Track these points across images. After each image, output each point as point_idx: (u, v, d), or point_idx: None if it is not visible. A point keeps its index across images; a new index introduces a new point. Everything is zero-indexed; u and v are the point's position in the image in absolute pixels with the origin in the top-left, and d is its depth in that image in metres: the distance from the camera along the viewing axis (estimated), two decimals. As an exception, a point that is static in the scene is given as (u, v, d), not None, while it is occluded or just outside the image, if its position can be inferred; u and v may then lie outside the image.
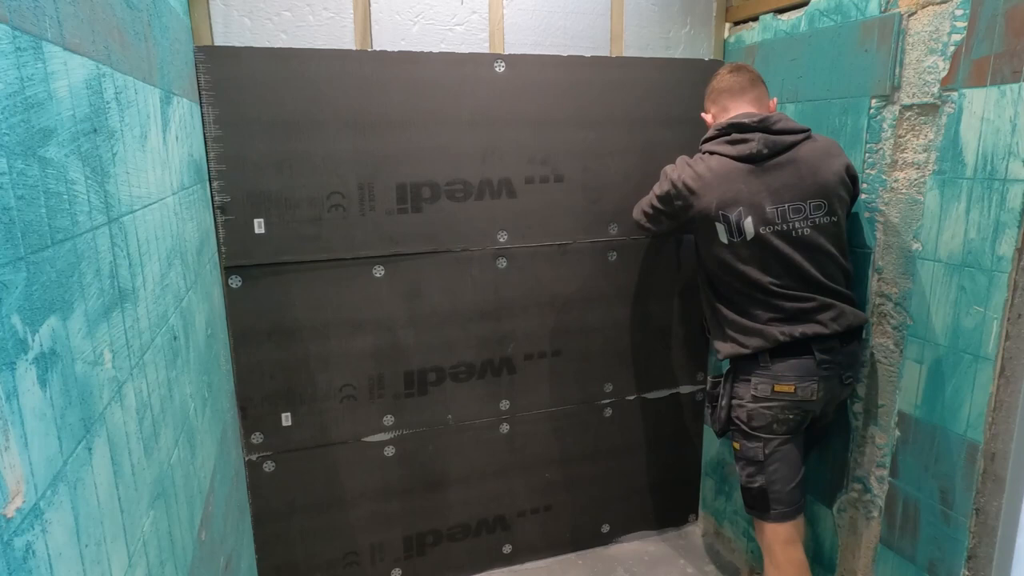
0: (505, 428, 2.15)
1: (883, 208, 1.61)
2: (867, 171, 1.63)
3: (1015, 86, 1.27)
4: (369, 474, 2.01)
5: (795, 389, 1.57)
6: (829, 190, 1.54)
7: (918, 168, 1.52)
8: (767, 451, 1.63)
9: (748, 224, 1.54)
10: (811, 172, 1.54)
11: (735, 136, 1.58)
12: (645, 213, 1.80)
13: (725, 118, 1.65)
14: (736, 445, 1.69)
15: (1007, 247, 1.31)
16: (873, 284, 1.65)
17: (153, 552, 0.84)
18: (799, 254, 1.55)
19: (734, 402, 1.66)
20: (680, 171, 1.64)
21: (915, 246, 1.53)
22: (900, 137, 1.55)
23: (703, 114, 1.78)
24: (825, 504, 1.85)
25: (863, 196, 1.65)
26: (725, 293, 1.66)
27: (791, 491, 1.63)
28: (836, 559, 1.83)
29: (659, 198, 1.70)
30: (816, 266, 1.56)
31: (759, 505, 1.65)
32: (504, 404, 2.13)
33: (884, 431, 1.65)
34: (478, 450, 2.13)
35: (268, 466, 1.89)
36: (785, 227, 1.54)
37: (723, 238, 1.58)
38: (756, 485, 1.64)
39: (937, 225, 1.47)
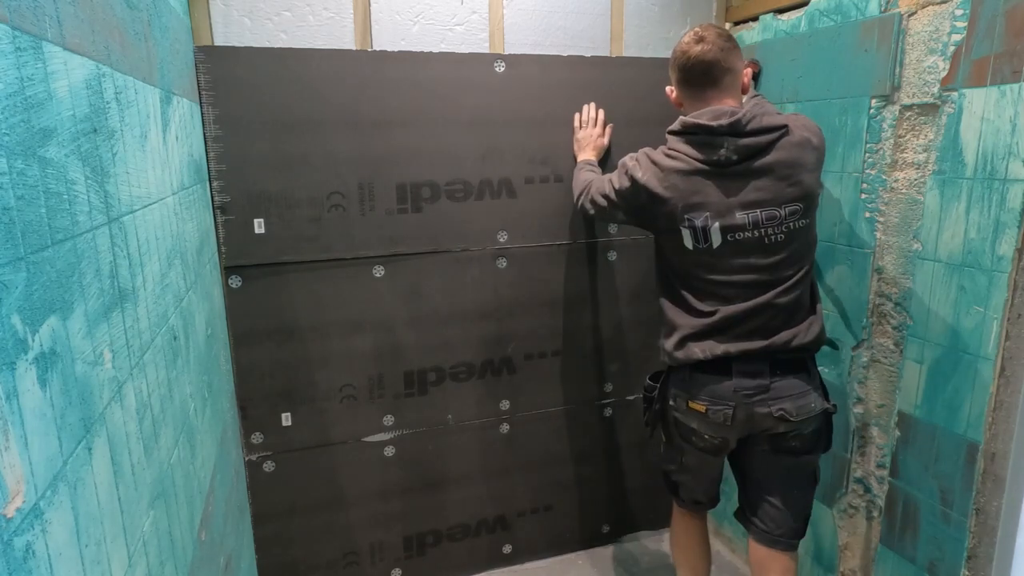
0: (505, 428, 2.15)
1: (883, 208, 1.61)
2: (867, 171, 1.63)
3: (1015, 86, 1.27)
4: (369, 474, 2.01)
5: (706, 411, 1.49)
6: (807, 190, 1.41)
7: (918, 168, 1.52)
8: (683, 460, 1.65)
9: (715, 230, 1.42)
10: (789, 174, 1.40)
11: (703, 138, 1.42)
12: (596, 204, 1.65)
13: (694, 109, 1.48)
14: (664, 438, 1.70)
15: (1007, 247, 1.31)
16: (873, 284, 1.65)
17: (153, 552, 0.84)
18: (767, 261, 1.43)
19: (668, 404, 1.60)
20: (644, 170, 1.48)
21: (915, 246, 1.53)
22: (900, 137, 1.55)
23: (668, 87, 1.57)
24: (825, 504, 1.85)
25: (863, 196, 1.65)
26: (676, 296, 1.55)
27: (702, 492, 1.70)
28: (836, 559, 1.83)
29: (617, 192, 1.55)
30: (781, 277, 1.45)
31: (670, 488, 1.76)
32: (504, 404, 2.13)
33: (884, 431, 1.65)
34: (478, 450, 2.13)
35: (268, 466, 1.89)
36: (757, 234, 1.42)
37: (688, 243, 1.46)
38: (671, 478, 1.73)
39: (937, 225, 1.47)
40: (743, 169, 1.40)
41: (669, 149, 1.48)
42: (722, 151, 1.39)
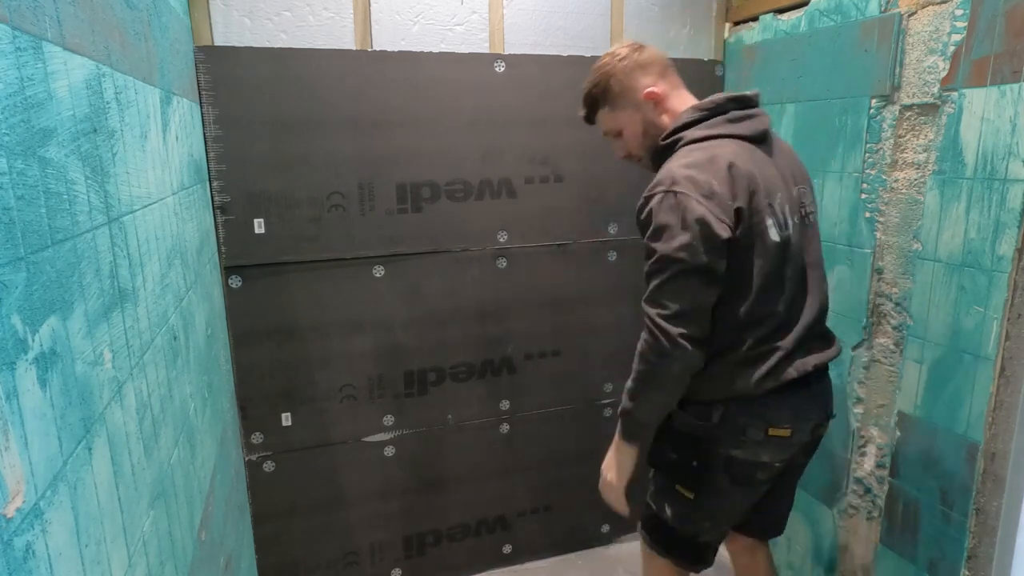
0: (505, 428, 2.15)
1: (883, 208, 1.60)
2: (867, 171, 1.63)
3: (1015, 86, 1.27)
4: (369, 474, 2.01)
5: (791, 433, 1.26)
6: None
7: (918, 168, 1.52)
8: (727, 508, 1.34)
9: (788, 211, 1.23)
10: (789, 150, 1.35)
11: (737, 113, 1.25)
12: (677, 294, 1.17)
13: (680, 101, 1.32)
14: (688, 494, 1.31)
15: (1007, 247, 1.31)
16: (873, 284, 1.65)
17: (153, 552, 0.84)
18: (814, 246, 1.31)
19: (722, 445, 1.28)
20: (699, 189, 1.14)
21: (915, 246, 1.53)
22: (900, 137, 1.55)
23: (648, 89, 1.31)
24: (825, 504, 1.85)
25: (863, 196, 1.65)
26: (742, 323, 1.22)
27: (723, 534, 1.43)
28: (836, 559, 1.83)
29: (698, 247, 1.14)
30: (821, 264, 1.34)
31: (682, 554, 1.38)
32: (504, 404, 2.13)
33: (884, 431, 1.65)
34: (478, 450, 2.13)
35: (268, 466, 1.89)
36: (804, 211, 1.28)
37: (774, 235, 1.19)
38: (699, 539, 1.36)
39: (937, 225, 1.46)
40: (768, 146, 1.29)
41: (701, 143, 1.22)
42: (763, 118, 1.28)
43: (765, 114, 1.32)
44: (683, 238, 1.14)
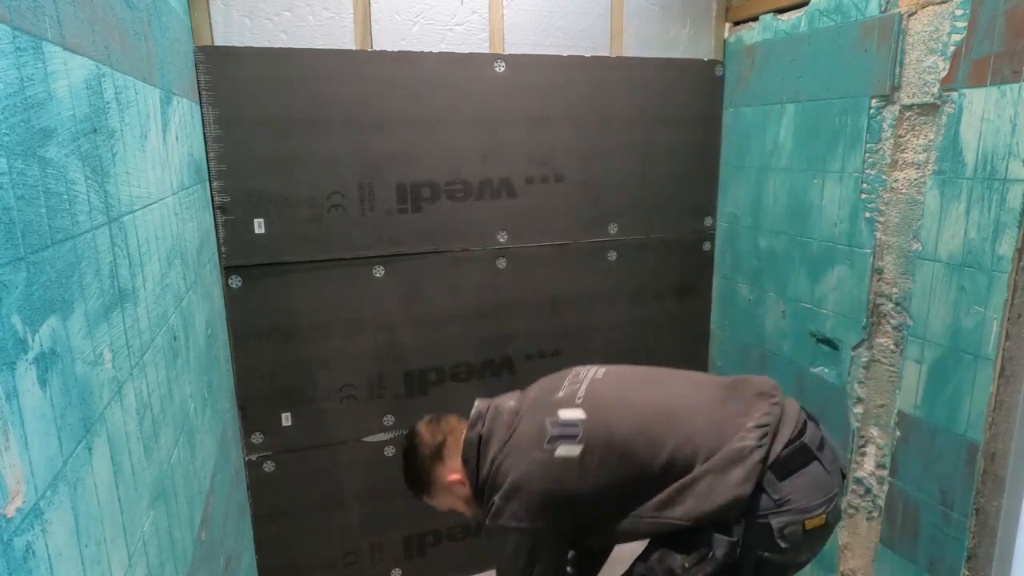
0: (505, 428, 2.15)
1: (883, 208, 1.61)
2: (867, 171, 1.63)
3: (1015, 86, 1.27)
4: (369, 474, 2.01)
5: (827, 518, 1.16)
6: None
7: (918, 168, 1.52)
8: None
9: (566, 413, 1.26)
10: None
11: (483, 430, 1.34)
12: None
13: (457, 455, 1.38)
14: None
15: (1007, 247, 1.31)
16: (873, 284, 1.65)
17: (153, 552, 0.84)
18: (618, 387, 1.34)
19: (754, 554, 1.16)
20: (524, 502, 1.23)
21: (915, 246, 1.53)
22: (900, 137, 1.55)
23: (450, 478, 1.38)
24: (825, 504, 1.85)
25: (863, 196, 1.65)
26: (672, 498, 1.20)
27: None
28: (836, 559, 1.83)
29: (536, 550, 1.24)
30: (639, 379, 1.39)
31: None
32: (504, 404, 2.13)
33: (884, 431, 1.65)
34: (478, 450, 2.13)
35: (268, 466, 1.89)
36: (586, 385, 1.32)
37: (573, 450, 1.21)
38: None
39: (937, 225, 1.47)
40: (515, 415, 1.35)
41: (492, 469, 1.30)
42: (492, 418, 1.35)
43: (489, 408, 1.38)
44: (516, 558, 1.25)
